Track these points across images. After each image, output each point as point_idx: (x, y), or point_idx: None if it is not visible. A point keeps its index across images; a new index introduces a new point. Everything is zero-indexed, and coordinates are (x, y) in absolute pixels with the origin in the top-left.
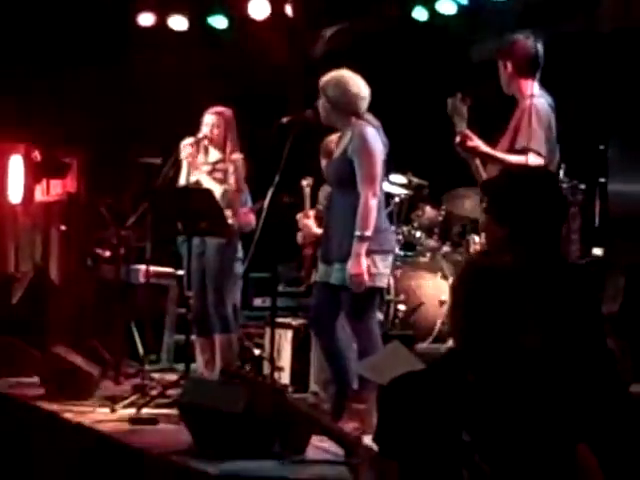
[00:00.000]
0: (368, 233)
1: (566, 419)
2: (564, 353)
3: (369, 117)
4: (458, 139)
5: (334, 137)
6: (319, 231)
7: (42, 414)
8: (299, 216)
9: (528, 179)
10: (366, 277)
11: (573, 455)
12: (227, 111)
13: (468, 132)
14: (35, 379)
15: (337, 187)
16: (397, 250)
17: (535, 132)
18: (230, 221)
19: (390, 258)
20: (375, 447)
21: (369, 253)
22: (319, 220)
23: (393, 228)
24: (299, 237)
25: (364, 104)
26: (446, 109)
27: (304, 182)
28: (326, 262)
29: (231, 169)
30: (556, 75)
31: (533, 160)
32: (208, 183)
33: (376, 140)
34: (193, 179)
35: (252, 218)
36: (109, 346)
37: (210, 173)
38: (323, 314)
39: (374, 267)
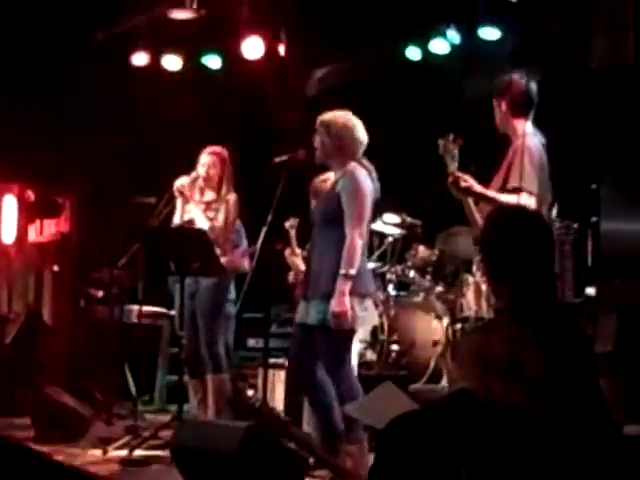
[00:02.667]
0: (353, 272)
1: (560, 460)
2: (557, 394)
3: (364, 161)
4: (450, 179)
5: (324, 177)
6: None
7: (33, 456)
8: (287, 252)
9: (514, 221)
10: (348, 316)
11: None
12: (223, 151)
13: (459, 173)
14: (26, 420)
15: (321, 225)
16: (390, 289)
17: (527, 171)
18: (222, 261)
19: (367, 302)
20: None
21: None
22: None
23: (386, 268)
24: (290, 276)
25: (360, 147)
26: (437, 148)
27: (288, 224)
28: (305, 299)
29: (222, 208)
30: (549, 114)
31: (525, 200)
32: (201, 221)
33: (366, 181)
34: (187, 217)
35: (246, 261)
36: (101, 387)
37: (204, 212)
38: (302, 357)
39: (350, 309)
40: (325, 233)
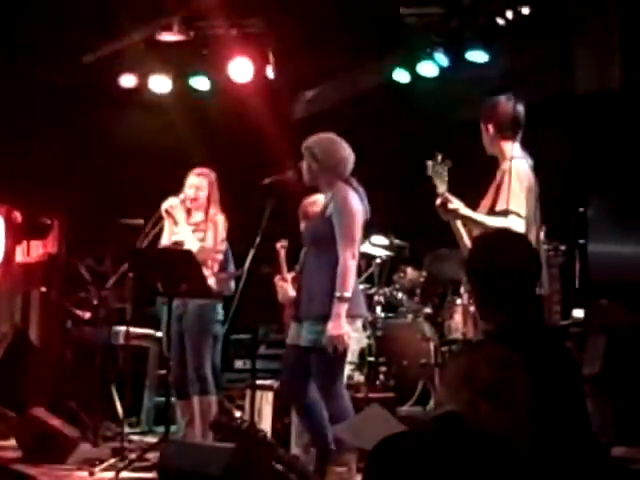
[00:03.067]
0: (348, 294)
1: None
2: (544, 418)
3: (353, 181)
4: (439, 201)
5: (312, 199)
6: (294, 293)
7: (19, 477)
8: (277, 278)
9: (499, 245)
10: (346, 338)
11: None
12: (211, 173)
13: (448, 194)
14: (12, 442)
15: (312, 246)
16: (379, 311)
17: (515, 194)
18: (210, 281)
19: (358, 322)
20: None
21: None
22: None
23: (374, 290)
24: (280, 296)
25: (347, 168)
26: (426, 171)
27: (278, 245)
28: (297, 320)
29: (211, 228)
30: (536, 136)
31: (514, 222)
32: (191, 242)
33: (357, 202)
34: (175, 239)
35: (231, 284)
36: (88, 408)
37: (192, 233)
38: (294, 378)
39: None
40: (316, 255)
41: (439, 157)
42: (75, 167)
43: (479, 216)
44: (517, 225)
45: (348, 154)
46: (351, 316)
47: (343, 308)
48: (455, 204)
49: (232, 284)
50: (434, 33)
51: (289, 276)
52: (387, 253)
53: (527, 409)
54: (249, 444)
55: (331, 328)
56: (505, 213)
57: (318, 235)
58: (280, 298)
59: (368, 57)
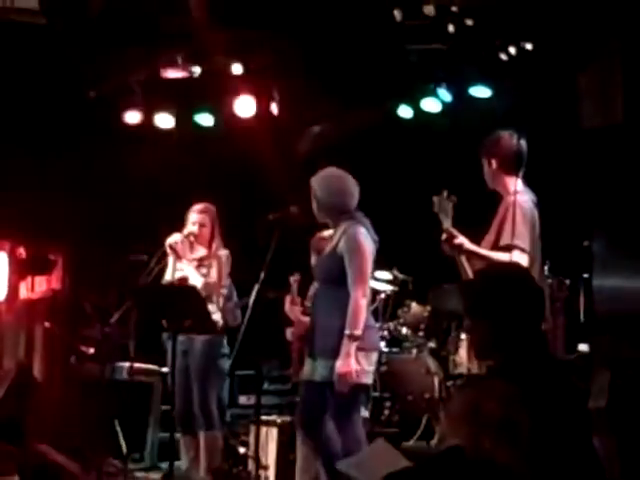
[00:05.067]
0: (358, 332)
1: None
2: (554, 451)
3: (359, 215)
4: (444, 237)
5: (325, 234)
6: (305, 319)
7: None
8: (287, 301)
9: (502, 278)
10: (353, 376)
11: None
12: (212, 207)
13: (453, 230)
14: (15, 478)
15: (324, 283)
16: (383, 346)
17: (519, 229)
18: (215, 317)
19: (374, 356)
20: None
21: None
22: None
23: (378, 325)
24: (288, 333)
25: (352, 202)
26: (432, 206)
27: (292, 278)
28: (311, 357)
29: (214, 263)
30: (540, 171)
31: (518, 257)
32: (195, 278)
33: (367, 240)
34: (179, 275)
35: (238, 314)
36: (91, 444)
37: (196, 268)
38: (310, 413)
39: (357, 364)
40: (328, 292)
41: (445, 193)
42: (79, 203)
43: (483, 251)
44: (521, 260)
45: (350, 188)
46: (367, 349)
47: (353, 346)
48: (459, 239)
49: (238, 313)
50: (437, 69)
51: (299, 300)
52: (391, 288)
53: (531, 445)
54: None
55: (339, 366)
56: (509, 248)
57: (329, 272)
58: (290, 335)
59: (372, 93)
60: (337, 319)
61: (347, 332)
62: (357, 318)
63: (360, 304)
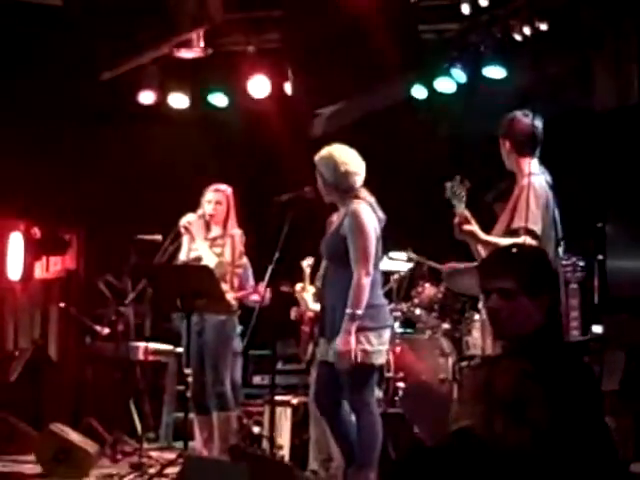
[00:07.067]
0: (359, 311)
1: None
2: (565, 431)
3: (364, 193)
4: (456, 220)
5: None
6: (315, 307)
7: None
8: (298, 288)
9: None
10: (358, 354)
11: None
12: (227, 188)
13: (467, 214)
14: (32, 457)
15: (330, 262)
16: (397, 327)
17: (532, 211)
18: (229, 296)
19: (386, 334)
20: None
21: (363, 330)
22: (318, 297)
23: (392, 306)
24: (292, 313)
25: (357, 179)
26: (444, 190)
27: (304, 263)
28: (324, 337)
29: (228, 243)
30: (554, 153)
31: (529, 241)
32: (209, 258)
33: (370, 218)
34: (193, 255)
35: (256, 296)
36: (107, 424)
37: (210, 248)
38: (324, 393)
39: (369, 344)
40: (335, 272)
41: (458, 178)
42: (93, 183)
43: (492, 239)
44: (532, 243)
45: (356, 167)
46: (378, 328)
47: (353, 325)
48: (470, 226)
49: (256, 297)
50: (451, 49)
51: (311, 288)
52: (405, 268)
53: (543, 424)
54: (267, 466)
55: (339, 344)
56: (520, 232)
57: (334, 252)
58: (294, 314)
59: (386, 74)
60: (345, 299)
61: (348, 311)
62: (359, 297)
63: (362, 283)
